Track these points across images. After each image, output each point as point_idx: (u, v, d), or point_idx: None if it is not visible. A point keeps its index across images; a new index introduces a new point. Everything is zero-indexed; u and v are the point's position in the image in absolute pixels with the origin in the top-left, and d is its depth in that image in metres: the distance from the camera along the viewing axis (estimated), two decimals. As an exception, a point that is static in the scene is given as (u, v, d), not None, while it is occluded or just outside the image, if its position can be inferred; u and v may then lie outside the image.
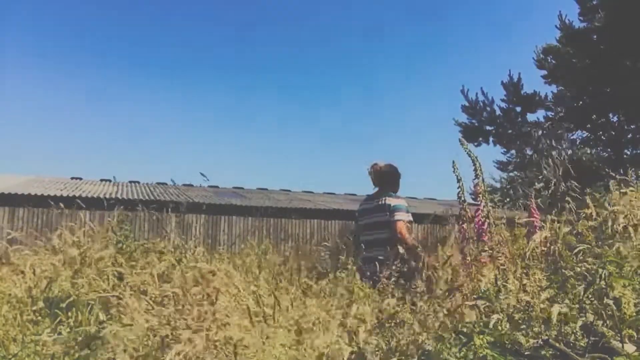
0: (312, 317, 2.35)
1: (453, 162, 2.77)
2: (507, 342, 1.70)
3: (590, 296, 1.68)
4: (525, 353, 1.72)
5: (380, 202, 4.05)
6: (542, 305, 1.77)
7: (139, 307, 2.18)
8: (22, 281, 3.18)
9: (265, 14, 43.52)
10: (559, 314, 1.65)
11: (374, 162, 4.24)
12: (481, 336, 1.63)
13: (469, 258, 2.58)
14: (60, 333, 2.70)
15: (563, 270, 1.90)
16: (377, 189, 4.21)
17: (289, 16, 44.16)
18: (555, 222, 2.56)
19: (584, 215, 2.45)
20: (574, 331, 1.70)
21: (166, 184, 16.99)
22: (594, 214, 2.40)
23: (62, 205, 6.17)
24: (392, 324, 2.20)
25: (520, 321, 1.79)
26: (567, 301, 1.75)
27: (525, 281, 1.93)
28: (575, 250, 2.06)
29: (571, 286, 1.77)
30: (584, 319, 1.68)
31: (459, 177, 2.79)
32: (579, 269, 1.81)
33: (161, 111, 42.59)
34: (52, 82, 39.66)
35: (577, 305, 1.74)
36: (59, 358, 2.52)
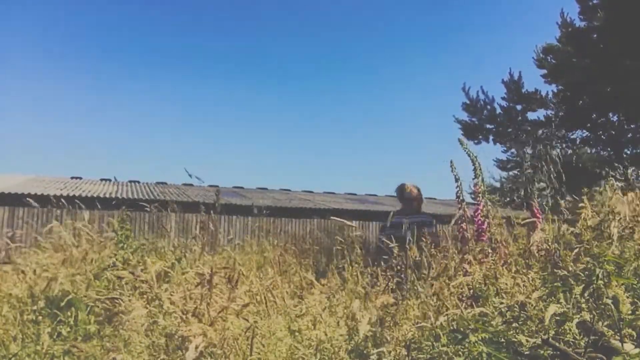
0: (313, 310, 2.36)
1: (451, 161, 2.77)
2: (502, 340, 1.69)
3: (587, 295, 1.68)
4: (525, 352, 1.72)
5: (418, 219, 4.67)
6: (534, 304, 1.76)
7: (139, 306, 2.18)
8: (22, 280, 3.18)
9: (264, 13, 43.46)
10: (555, 313, 1.65)
11: (403, 183, 5.02)
12: (476, 333, 1.63)
13: (468, 257, 2.58)
14: (60, 332, 2.70)
15: (556, 270, 1.90)
16: (403, 207, 4.96)
17: (288, 15, 44.11)
18: (556, 222, 2.56)
19: (582, 215, 2.45)
20: (571, 330, 1.70)
21: (166, 184, 16.98)
22: (589, 214, 2.40)
23: (63, 202, 6.15)
24: (391, 322, 2.21)
25: (512, 319, 1.79)
26: (562, 301, 1.74)
27: (519, 280, 1.93)
28: (575, 251, 2.06)
29: (567, 285, 1.77)
30: (580, 317, 1.68)
31: (457, 177, 2.78)
32: (576, 268, 1.81)
33: (161, 111, 42.56)
34: (52, 82, 39.62)
35: (574, 306, 1.74)
36: (59, 357, 2.52)
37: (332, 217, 4.58)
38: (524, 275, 1.98)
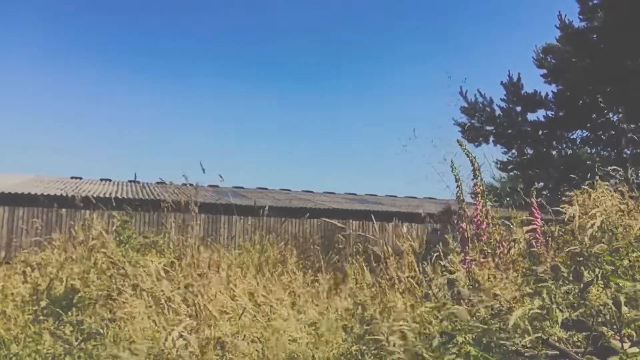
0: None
1: (451, 162, 2.78)
2: (492, 341, 1.70)
3: (575, 294, 1.69)
4: (526, 354, 1.72)
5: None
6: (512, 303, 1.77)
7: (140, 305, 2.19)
8: (25, 281, 3.18)
9: (263, 12, 43.48)
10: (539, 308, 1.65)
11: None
12: (464, 334, 1.63)
13: (468, 257, 2.59)
14: (62, 332, 2.71)
15: (543, 275, 1.90)
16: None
17: (287, 15, 44.11)
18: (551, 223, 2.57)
19: (570, 215, 2.46)
20: (557, 327, 1.70)
21: (166, 184, 16.96)
22: (577, 214, 2.41)
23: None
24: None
25: (494, 314, 1.79)
26: (543, 298, 1.74)
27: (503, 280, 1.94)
28: (569, 249, 2.07)
29: (554, 285, 1.78)
30: (563, 315, 1.68)
31: (457, 177, 2.80)
32: (568, 269, 1.82)
33: (161, 111, 42.57)
34: (52, 82, 39.64)
35: (556, 303, 1.74)
36: (60, 356, 2.53)
37: (324, 219, 4.65)
38: (507, 274, 1.99)
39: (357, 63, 44.55)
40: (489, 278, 2.01)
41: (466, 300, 2.11)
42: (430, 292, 2.56)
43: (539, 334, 1.67)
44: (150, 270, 2.46)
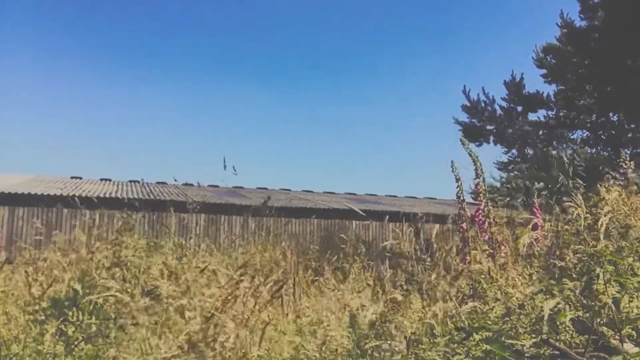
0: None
1: (452, 162, 2.78)
2: (503, 339, 1.70)
3: (581, 293, 1.69)
4: (526, 354, 1.72)
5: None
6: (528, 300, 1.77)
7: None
8: (28, 283, 3.19)
9: (264, 11, 43.47)
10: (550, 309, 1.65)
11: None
12: (480, 332, 1.64)
13: (468, 257, 2.59)
14: (63, 332, 2.71)
15: (553, 269, 1.90)
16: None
17: (287, 15, 44.10)
18: (555, 221, 2.57)
19: (576, 214, 2.47)
20: (567, 327, 1.70)
21: (166, 184, 16.99)
22: (583, 214, 2.42)
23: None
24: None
25: (506, 314, 1.79)
26: (558, 297, 1.75)
27: (514, 275, 1.94)
28: (574, 249, 2.07)
29: (562, 283, 1.78)
30: (573, 313, 1.68)
31: (457, 177, 2.80)
32: (573, 267, 1.82)
33: (161, 111, 42.58)
34: (52, 81, 39.66)
35: (567, 302, 1.74)
36: (61, 357, 2.53)
37: (334, 207, 4.61)
38: (519, 273, 2.00)
39: (357, 62, 44.56)
40: (501, 276, 2.02)
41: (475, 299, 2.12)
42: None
43: (544, 334, 1.67)
44: (156, 271, 2.47)
